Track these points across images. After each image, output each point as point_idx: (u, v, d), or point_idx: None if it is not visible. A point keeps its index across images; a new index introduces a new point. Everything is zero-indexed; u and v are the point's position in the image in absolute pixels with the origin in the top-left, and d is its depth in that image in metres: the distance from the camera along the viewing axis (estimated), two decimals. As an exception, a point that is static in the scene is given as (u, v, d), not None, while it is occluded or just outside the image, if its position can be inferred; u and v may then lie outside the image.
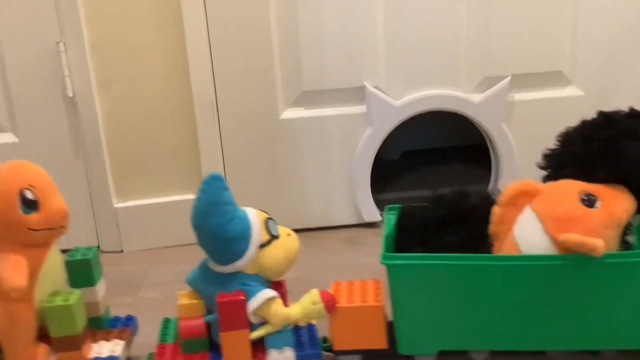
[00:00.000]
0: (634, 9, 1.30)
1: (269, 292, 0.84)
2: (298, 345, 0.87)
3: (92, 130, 1.28)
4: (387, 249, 0.89)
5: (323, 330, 0.92)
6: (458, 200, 0.92)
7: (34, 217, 0.81)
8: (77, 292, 0.84)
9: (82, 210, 1.32)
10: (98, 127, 1.28)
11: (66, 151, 1.29)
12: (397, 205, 0.97)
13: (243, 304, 0.83)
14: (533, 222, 0.85)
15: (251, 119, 1.31)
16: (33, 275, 0.81)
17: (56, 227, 0.83)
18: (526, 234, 0.86)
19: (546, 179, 0.93)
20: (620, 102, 1.35)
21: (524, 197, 0.87)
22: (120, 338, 0.90)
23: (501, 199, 0.88)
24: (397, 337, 0.89)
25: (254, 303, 0.83)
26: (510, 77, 1.31)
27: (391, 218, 0.95)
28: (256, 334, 0.85)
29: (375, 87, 1.30)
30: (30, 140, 1.28)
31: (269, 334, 0.85)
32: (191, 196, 1.33)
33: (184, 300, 0.87)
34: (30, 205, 0.80)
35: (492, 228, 0.88)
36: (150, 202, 1.33)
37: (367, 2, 1.26)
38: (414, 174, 1.65)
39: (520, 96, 1.33)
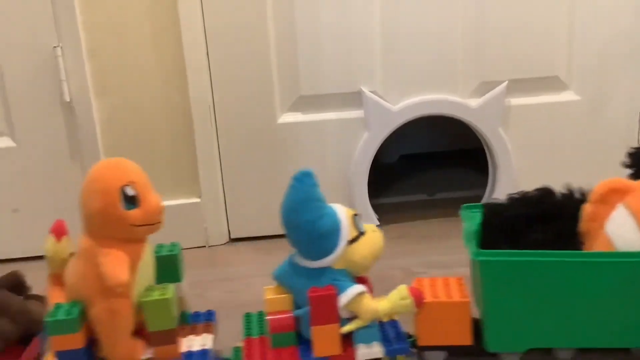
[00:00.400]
0: (629, 14, 1.30)
1: (359, 287, 0.85)
2: (385, 340, 0.88)
3: (89, 134, 1.28)
4: (475, 246, 0.88)
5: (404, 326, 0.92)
6: (544, 198, 0.92)
7: (134, 213, 0.81)
8: (171, 287, 0.85)
9: (79, 214, 1.32)
10: (95, 131, 1.28)
11: (63, 155, 1.29)
12: (476, 204, 0.97)
13: (334, 299, 0.84)
14: (627, 219, 0.85)
15: (248, 123, 1.31)
16: (132, 271, 0.82)
17: (154, 223, 0.83)
18: (621, 231, 0.86)
19: (631, 177, 0.94)
20: (616, 106, 1.36)
21: (615, 194, 0.88)
22: (207, 332, 0.91)
23: (592, 196, 0.89)
24: (486, 334, 0.89)
25: (345, 297, 0.84)
26: (507, 82, 1.31)
27: (476, 216, 0.94)
28: (347, 328, 0.85)
29: (373, 92, 1.30)
30: (28, 144, 1.28)
31: (357, 329, 0.86)
32: (189, 200, 1.33)
33: (271, 295, 0.88)
34: (131, 201, 0.81)
35: (583, 226, 0.88)
36: (147, 206, 1.33)
37: (364, 7, 1.27)
38: (411, 178, 1.66)
39: (516, 101, 1.33)
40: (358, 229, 0.86)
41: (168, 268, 0.90)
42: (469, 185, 1.54)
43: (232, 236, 1.38)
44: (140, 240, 0.84)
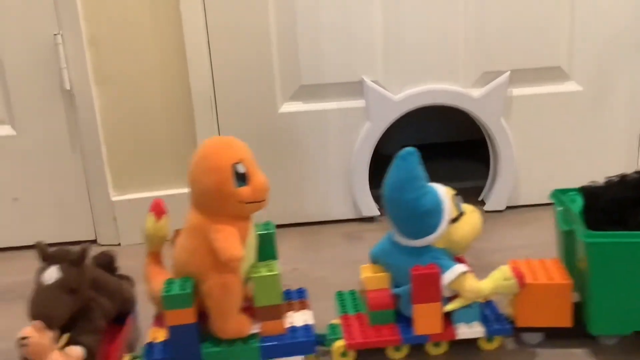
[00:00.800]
0: (632, 5, 1.30)
1: (462, 266, 0.86)
2: (484, 321, 0.89)
3: (89, 123, 1.27)
4: (583, 228, 0.88)
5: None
6: None
7: (245, 190, 0.84)
8: (276, 263, 0.87)
9: (80, 203, 1.32)
10: (95, 120, 1.27)
11: (63, 144, 1.29)
12: (569, 188, 0.97)
13: (437, 277, 0.85)
14: None
15: (249, 112, 1.30)
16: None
17: (261, 200, 0.86)
18: None
19: None
20: (618, 97, 1.35)
21: None
22: (303, 309, 0.92)
23: None
24: (589, 317, 0.89)
25: (449, 276, 0.85)
26: (509, 72, 1.31)
27: (577, 198, 0.95)
28: (450, 307, 0.87)
29: (374, 82, 1.30)
30: (28, 133, 1.28)
31: (458, 309, 0.87)
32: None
33: (368, 273, 0.90)
34: (241, 178, 0.84)
35: None
36: (147, 195, 1.32)
37: (366, -5, 1.26)
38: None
39: (519, 91, 1.33)
40: (458, 209, 0.87)
41: (264, 246, 0.91)
42: (469, 175, 1.53)
43: (233, 226, 1.37)
44: (246, 218, 0.86)
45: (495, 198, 1.38)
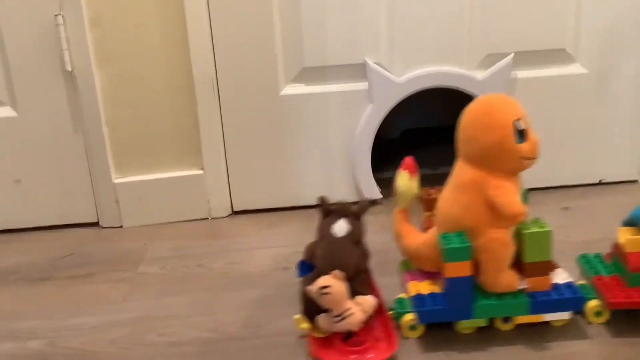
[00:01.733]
0: (639, -14, 1.29)
1: None
2: None
3: (91, 105, 1.27)
4: None
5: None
6: None
7: (524, 147, 0.87)
8: (545, 220, 0.89)
9: (82, 185, 1.32)
10: (97, 101, 1.27)
11: (65, 126, 1.28)
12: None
13: None
14: None
15: (251, 94, 1.30)
16: None
17: (535, 157, 0.88)
18: None
19: None
20: (623, 80, 1.34)
21: None
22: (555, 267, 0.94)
23: None
24: None
25: None
26: (513, 54, 1.29)
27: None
28: None
29: (377, 64, 1.29)
30: (29, 114, 1.27)
31: None
32: (191, 172, 1.33)
33: (628, 235, 0.91)
34: (521, 135, 0.87)
35: None
36: (149, 177, 1.32)
37: (369, -24, 1.25)
38: (415, 153, 1.64)
39: (523, 73, 1.32)
40: None
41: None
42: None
43: (235, 209, 1.37)
44: (517, 175, 0.89)
45: (498, 181, 1.38)
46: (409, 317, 0.90)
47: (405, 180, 0.96)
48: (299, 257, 1.01)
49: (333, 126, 1.33)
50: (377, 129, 1.33)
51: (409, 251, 0.97)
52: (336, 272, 0.85)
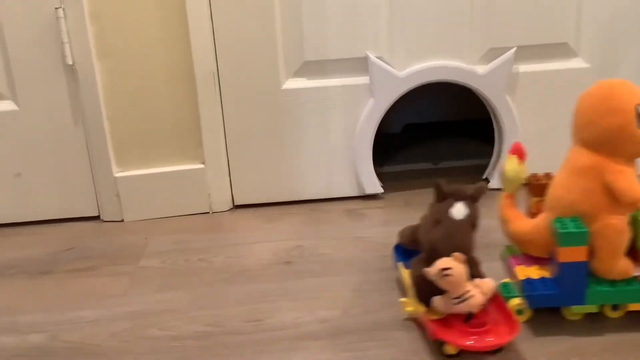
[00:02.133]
0: (642, -20, 1.28)
1: None
2: None
3: (92, 98, 1.26)
4: None
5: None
6: None
7: None
8: None
9: (82, 179, 1.32)
10: (98, 95, 1.26)
11: (66, 119, 1.28)
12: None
13: None
14: None
15: (253, 88, 1.30)
16: None
17: None
18: None
19: None
20: (626, 74, 1.34)
21: None
22: None
23: None
24: None
25: None
26: (515, 48, 1.29)
27: None
28: None
29: (379, 58, 1.29)
30: (30, 108, 1.27)
31: None
32: (192, 166, 1.33)
33: None
34: None
35: None
36: (150, 171, 1.32)
37: (371, -30, 1.24)
38: (416, 148, 1.64)
39: (525, 68, 1.32)
40: None
41: None
42: (473, 154, 1.53)
43: (236, 203, 1.37)
44: (635, 161, 0.88)
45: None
46: (516, 302, 0.90)
47: (514, 165, 0.96)
48: (302, 250, 1.01)
49: (334, 120, 1.33)
50: (378, 124, 1.33)
51: (516, 236, 0.96)
52: (457, 254, 0.85)
